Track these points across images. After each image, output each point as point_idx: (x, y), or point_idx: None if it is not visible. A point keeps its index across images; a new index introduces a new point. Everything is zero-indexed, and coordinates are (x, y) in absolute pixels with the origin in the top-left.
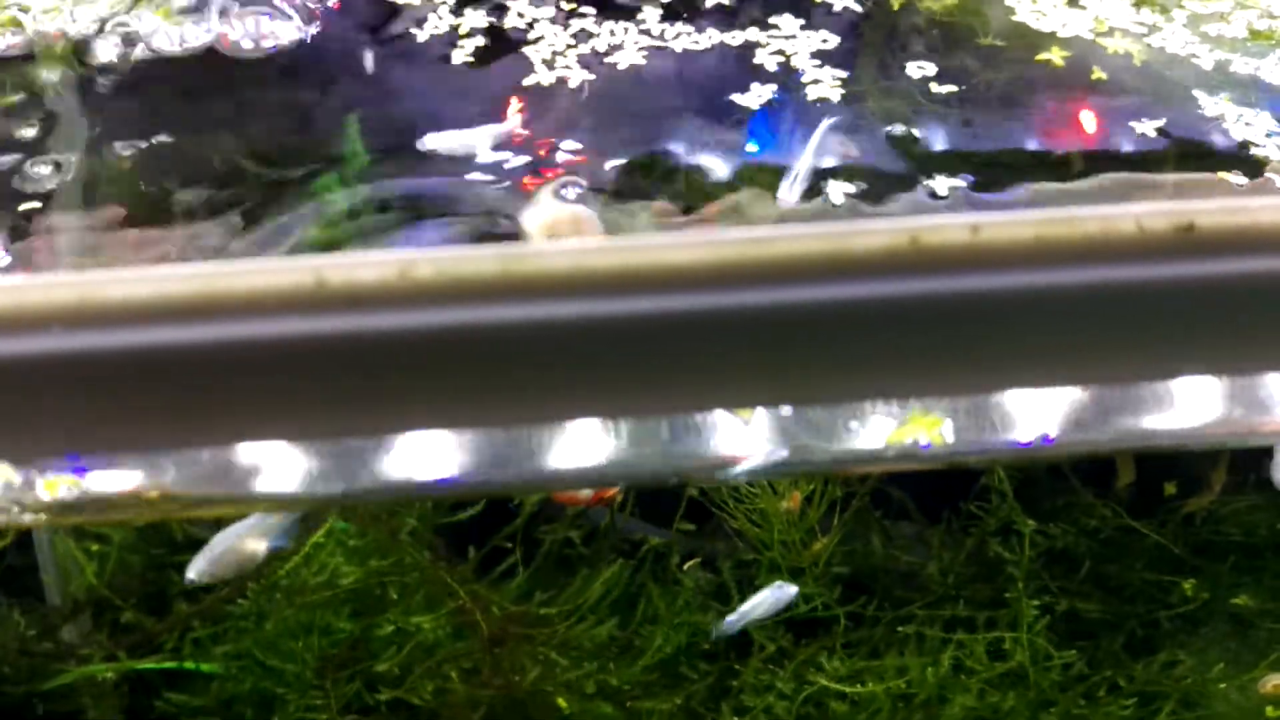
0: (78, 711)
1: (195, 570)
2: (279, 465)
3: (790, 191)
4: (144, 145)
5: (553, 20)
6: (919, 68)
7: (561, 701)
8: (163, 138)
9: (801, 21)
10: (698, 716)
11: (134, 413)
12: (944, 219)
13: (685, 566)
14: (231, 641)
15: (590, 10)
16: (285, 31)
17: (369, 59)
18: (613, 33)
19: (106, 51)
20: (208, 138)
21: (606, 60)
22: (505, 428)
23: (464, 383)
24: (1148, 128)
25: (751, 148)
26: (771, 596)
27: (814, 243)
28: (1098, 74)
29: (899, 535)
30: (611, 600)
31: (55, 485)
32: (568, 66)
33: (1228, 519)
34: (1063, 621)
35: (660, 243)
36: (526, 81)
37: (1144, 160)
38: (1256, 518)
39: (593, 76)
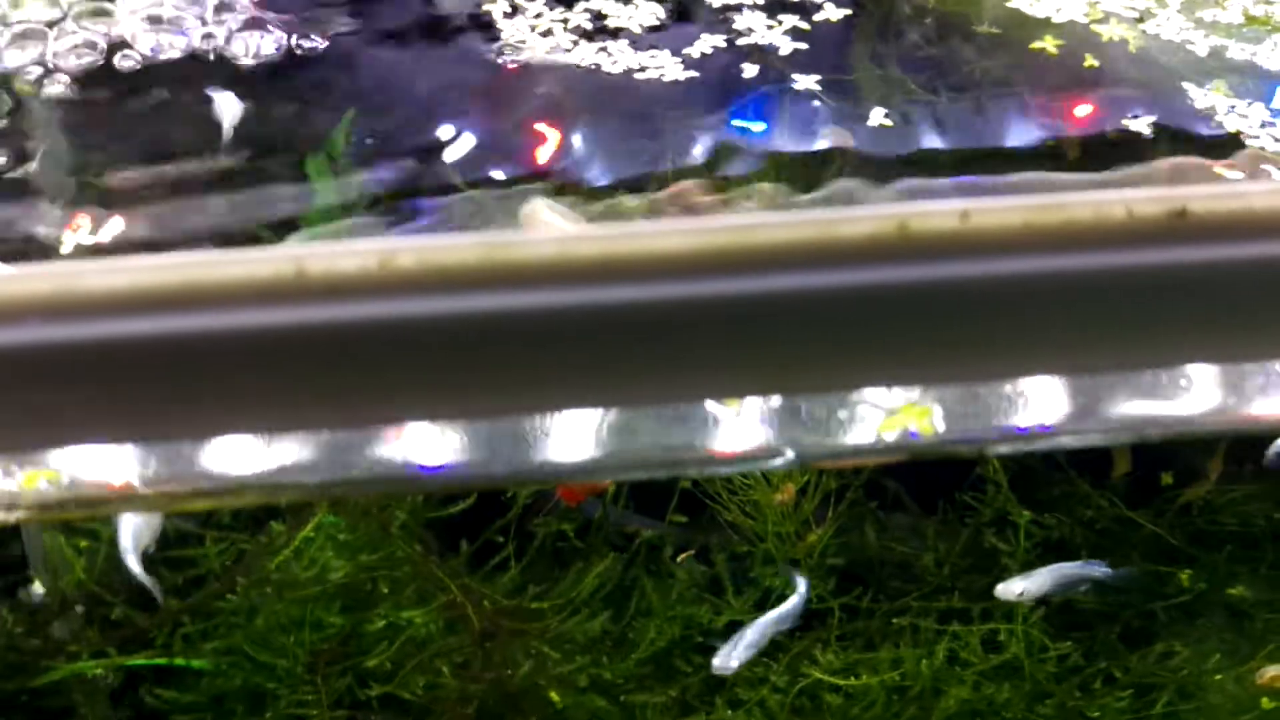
0: (68, 708)
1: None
2: (262, 457)
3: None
4: None
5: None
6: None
7: (554, 695)
8: None
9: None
10: (691, 710)
11: (112, 405)
12: (933, 205)
13: (679, 559)
14: (221, 637)
15: None
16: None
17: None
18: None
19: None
20: None
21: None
22: (491, 419)
23: (447, 373)
24: (1141, 118)
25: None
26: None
27: (801, 230)
28: (1091, 61)
29: (893, 526)
30: (604, 594)
31: (34, 479)
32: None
33: (1224, 509)
34: (1058, 613)
35: (645, 230)
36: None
37: (1137, 149)
38: (1253, 507)
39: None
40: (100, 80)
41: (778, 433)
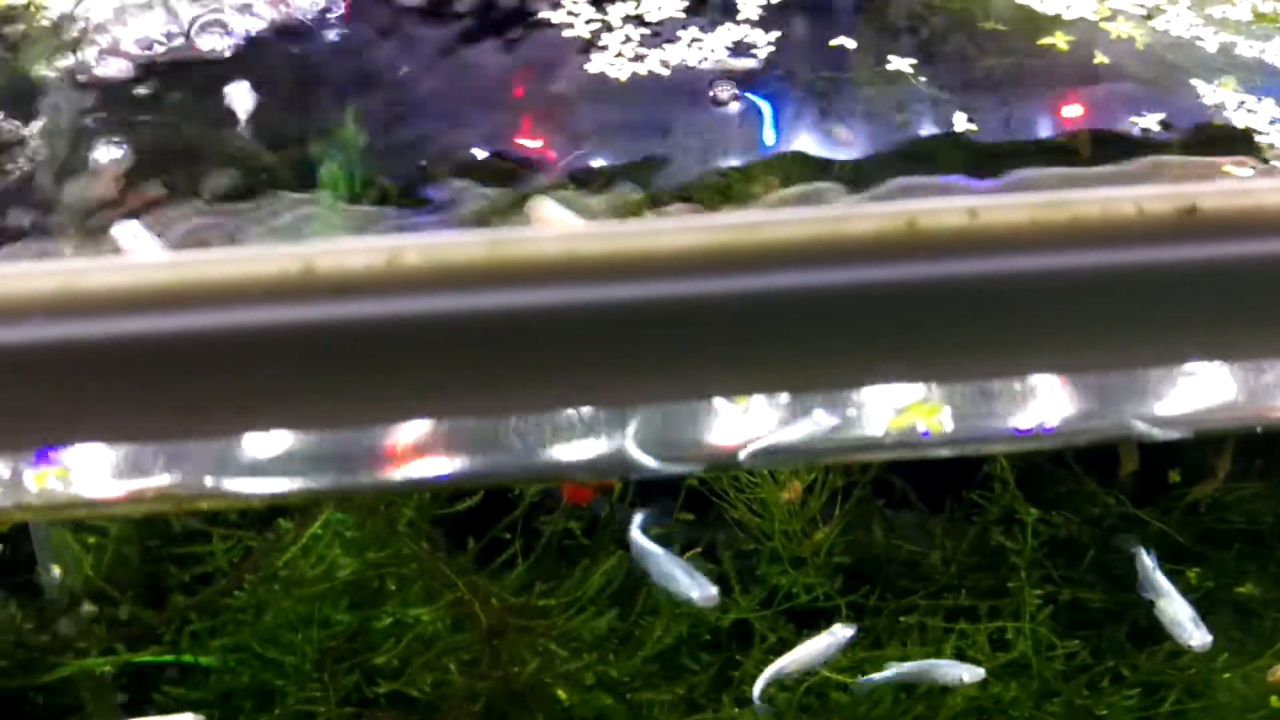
0: (76, 705)
1: None
2: (269, 456)
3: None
4: None
5: None
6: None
7: (561, 693)
8: None
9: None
10: (698, 708)
11: (119, 404)
12: (941, 202)
13: (686, 556)
14: (229, 634)
15: None
16: None
17: None
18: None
19: None
20: None
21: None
22: (498, 417)
23: (454, 371)
24: (1149, 116)
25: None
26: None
27: (808, 227)
28: (1100, 58)
29: (901, 524)
30: (611, 591)
31: (44, 478)
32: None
33: (1232, 507)
34: (1066, 611)
35: (651, 228)
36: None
37: (1147, 146)
38: (1260, 505)
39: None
40: None
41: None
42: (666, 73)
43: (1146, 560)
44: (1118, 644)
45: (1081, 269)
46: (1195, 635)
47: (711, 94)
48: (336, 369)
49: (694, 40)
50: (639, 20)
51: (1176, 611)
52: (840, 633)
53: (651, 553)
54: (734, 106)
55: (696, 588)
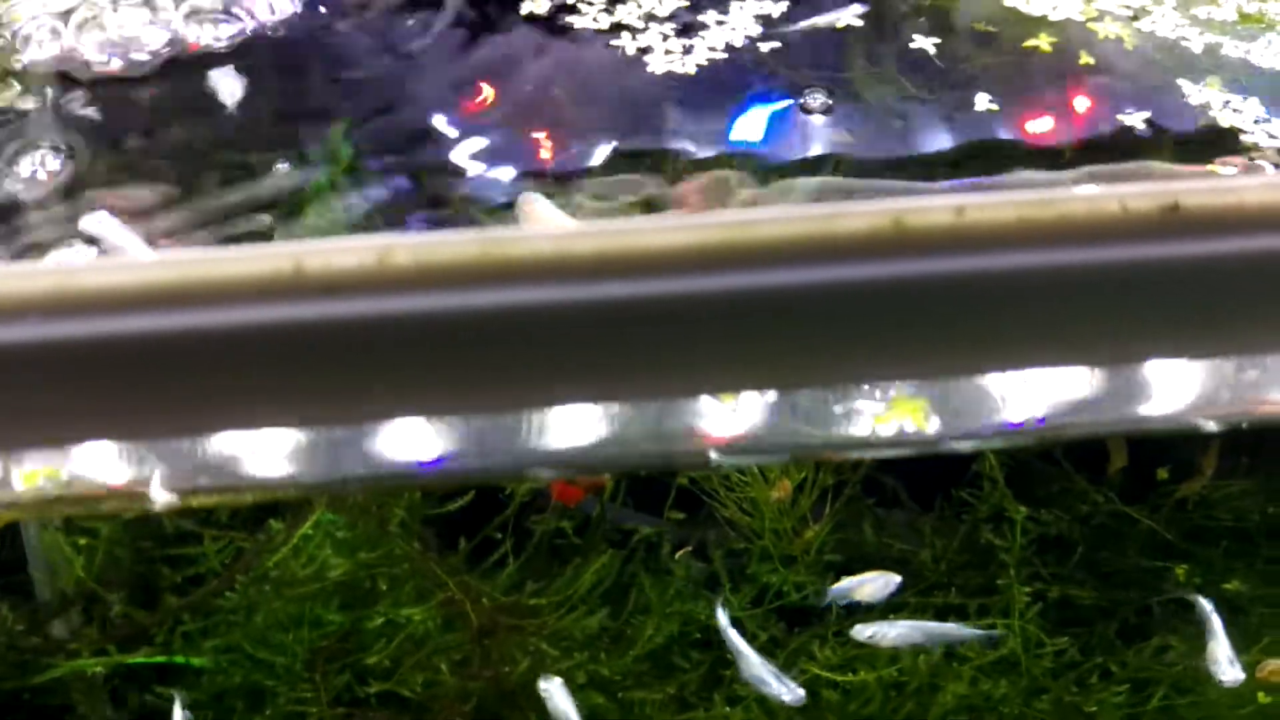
0: (67, 707)
1: None
2: (261, 454)
3: None
4: None
5: None
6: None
7: None
8: None
9: None
10: (690, 706)
11: (111, 403)
12: (928, 201)
13: (676, 556)
14: (221, 635)
15: None
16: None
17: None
18: None
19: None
20: None
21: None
22: (489, 415)
23: (445, 369)
24: (1136, 116)
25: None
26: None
27: (797, 225)
28: (1086, 59)
29: (891, 523)
30: (602, 590)
31: (34, 477)
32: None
33: (1219, 504)
34: (1055, 608)
35: (641, 226)
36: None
37: (1133, 148)
38: (1248, 503)
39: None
40: None
41: (773, 427)
42: (725, 56)
43: (1205, 605)
44: (1107, 641)
45: (1067, 266)
46: (1229, 673)
47: (802, 102)
48: (329, 367)
49: (719, 22)
50: (652, 17)
51: (1218, 651)
52: (890, 579)
53: (742, 653)
54: (828, 111)
55: (787, 692)
